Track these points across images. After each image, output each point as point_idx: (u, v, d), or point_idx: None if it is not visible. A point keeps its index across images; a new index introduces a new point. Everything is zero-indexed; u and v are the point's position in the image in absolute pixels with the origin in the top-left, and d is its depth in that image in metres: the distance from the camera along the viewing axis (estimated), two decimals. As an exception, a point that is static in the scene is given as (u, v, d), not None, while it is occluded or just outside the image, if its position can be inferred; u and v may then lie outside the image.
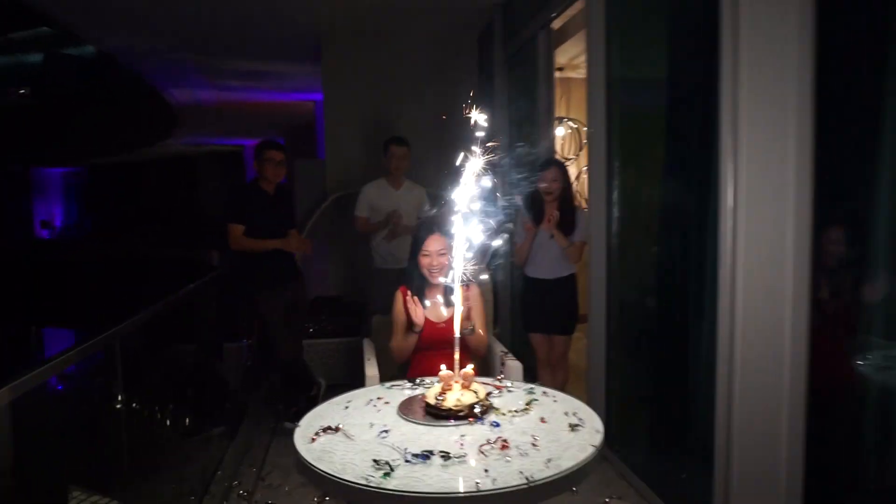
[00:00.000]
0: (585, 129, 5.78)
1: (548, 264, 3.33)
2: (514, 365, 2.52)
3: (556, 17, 3.53)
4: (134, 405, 3.40)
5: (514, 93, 4.54)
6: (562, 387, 3.43)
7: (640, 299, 2.95)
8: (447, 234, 2.55)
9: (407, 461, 1.47)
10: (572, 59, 5.22)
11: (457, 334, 1.86)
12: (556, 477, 1.41)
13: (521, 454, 1.51)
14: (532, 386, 2.03)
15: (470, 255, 1.79)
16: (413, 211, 4.00)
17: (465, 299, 2.35)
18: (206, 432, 3.59)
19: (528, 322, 3.45)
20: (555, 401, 1.91)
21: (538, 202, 3.32)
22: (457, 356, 1.86)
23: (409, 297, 2.44)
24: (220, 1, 4.50)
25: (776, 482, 1.90)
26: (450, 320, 2.55)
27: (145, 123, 10.84)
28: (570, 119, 5.65)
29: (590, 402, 1.89)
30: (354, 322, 4.52)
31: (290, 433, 3.45)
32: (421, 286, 2.59)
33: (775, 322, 1.84)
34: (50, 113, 10.32)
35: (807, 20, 1.71)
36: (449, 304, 2.58)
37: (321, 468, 1.45)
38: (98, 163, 17.20)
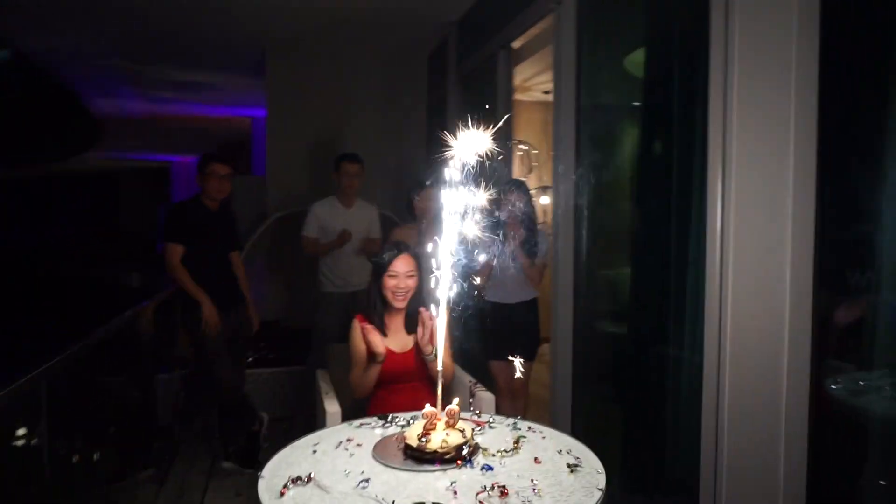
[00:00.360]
0: (535, 152, 5.78)
1: (510, 288, 3.22)
2: (486, 396, 2.36)
3: (518, 36, 3.47)
4: (45, 445, 3.00)
5: (468, 114, 4.45)
6: (522, 414, 3.31)
7: (610, 324, 2.86)
8: (415, 256, 2.39)
9: (397, 517, 1.27)
10: (524, 81, 5.20)
11: (439, 366, 1.68)
12: (567, 530, 1.26)
13: (523, 502, 1.34)
14: (515, 420, 1.88)
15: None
16: (365, 231, 3.81)
17: (430, 321, 2.18)
18: (132, 476, 3.21)
19: (490, 349, 3.30)
20: (543, 437, 1.76)
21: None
22: (440, 390, 1.69)
23: (365, 326, 2.24)
24: (154, 2, 4.19)
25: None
26: (413, 350, 2.37)
27: (63, 134, 10.11)
28: (520, 142, 5.63)
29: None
30: (297, 349, 4.24)
31: (230, 474, 3.11)
32: (381, 312, 2.40)
33: (770, 352, 1.76)
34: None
35: (809, 29, 1.67)
36: (411, 330, 2.40)
37: (298, 530, 1.24)
38: (8, 175, 15.97)
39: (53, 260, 13.27)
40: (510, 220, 3.15)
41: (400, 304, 2.34)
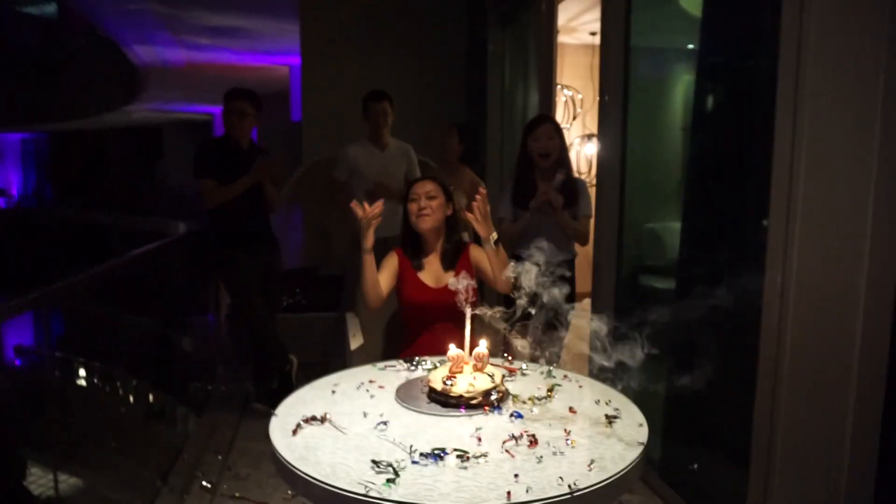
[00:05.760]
0: (580, 97, 5.49)
1: (547, 246, 2.95)
2: (522, 344, 2.22)
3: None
4: (83, 380, 3.05)
5: (509, 55, 4.21)
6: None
7: (656, 279, 2.68)
8: (441, 183, 2.28)
9: (415, 462, 1.17)
10: (569, 21, 4.88)
11: (467, 313, 1.57)
12: (603, 483, 1.13)
13: (554, 453, 1.22)
14: (550, 368, 1.75)
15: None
16: (401, 173, 3.64)
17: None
18: (166, 413, 3.24)
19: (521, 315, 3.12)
20: (580, 386, 1.63)
21: (527, 171, 2.81)
22: (467, 331, 1.57)
23: (356, 205, 2.04)
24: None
25: (828, 483, 1.65)
26: (446, 287, 2.21)
27: (107, 86, 10.20)
28: (564, 86, 5.34)
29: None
30: (331, 296, 4.19)
31: (261, 415, 3.08)
32: (414, 245, 2.29)
33: (843, 313, 1.57)
34: (5, 73, 9.67)
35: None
36: (448, 267, 2.26)
37: (306, 471, 1.14)
38: (60, 128, 16.41)
39: (104, 209, 13.66)
40: (543, 164, 2.75)
41: (423, 225, 2.22)
